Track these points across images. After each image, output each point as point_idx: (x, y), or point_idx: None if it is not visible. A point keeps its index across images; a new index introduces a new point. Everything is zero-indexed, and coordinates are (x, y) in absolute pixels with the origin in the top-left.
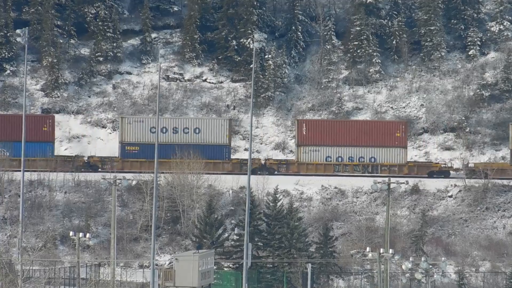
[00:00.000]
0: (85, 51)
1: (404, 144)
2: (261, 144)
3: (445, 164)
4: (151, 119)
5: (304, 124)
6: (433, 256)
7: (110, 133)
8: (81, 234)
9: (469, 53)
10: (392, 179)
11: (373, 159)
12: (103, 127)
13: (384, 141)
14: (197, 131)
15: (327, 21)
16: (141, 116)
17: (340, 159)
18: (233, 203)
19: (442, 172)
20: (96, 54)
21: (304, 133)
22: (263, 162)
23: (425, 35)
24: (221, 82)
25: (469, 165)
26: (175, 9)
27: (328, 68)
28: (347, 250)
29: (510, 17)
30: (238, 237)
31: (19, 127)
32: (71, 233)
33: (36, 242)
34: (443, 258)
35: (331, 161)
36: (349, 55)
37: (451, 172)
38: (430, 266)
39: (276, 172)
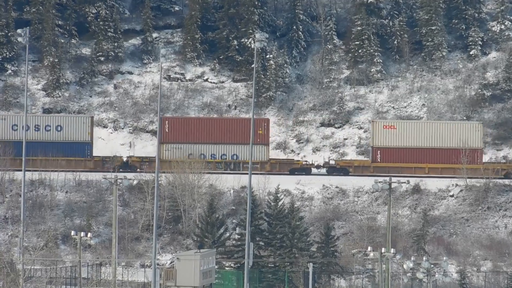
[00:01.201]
0: (86, 51)
1: (266, 142)
2: None
3: (306, 161)
4: (12, 117)
5: (166, 122)
6: (434, 255)
7: (111, 132)
8: (82, 234)
9: (471, 53)
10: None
11: (235, 156)
12: (104, 127)
13: (246, 139)
14: (59, 128)
15: (328, 21)
16: (2, 114)
17: (202, 156)
18: (234, 202)
19: (303, 169)
20: (97, 54)
21: (167, 130)
22: (125, 159)
23: (426, 35)
24: (223, 82)
25: (331, 162)
26: (176, 8)
27: (329, 68)
28: (349, 249)
29: (511, 17)
30: (239, 237)
31: None
32: (72, 233)
33: (37, 242)
34: (444, 258)
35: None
36: (350, 55)
37: (313, 169)
38: (432, 266)
39: (138, 170)
